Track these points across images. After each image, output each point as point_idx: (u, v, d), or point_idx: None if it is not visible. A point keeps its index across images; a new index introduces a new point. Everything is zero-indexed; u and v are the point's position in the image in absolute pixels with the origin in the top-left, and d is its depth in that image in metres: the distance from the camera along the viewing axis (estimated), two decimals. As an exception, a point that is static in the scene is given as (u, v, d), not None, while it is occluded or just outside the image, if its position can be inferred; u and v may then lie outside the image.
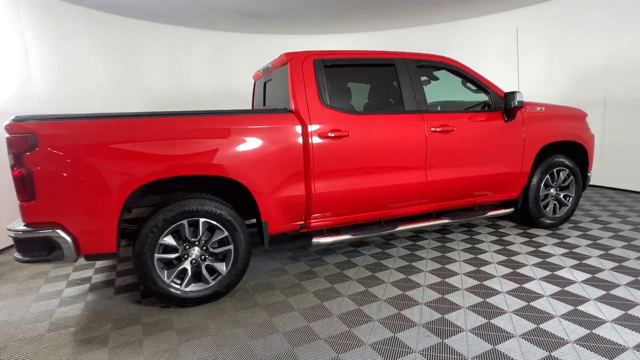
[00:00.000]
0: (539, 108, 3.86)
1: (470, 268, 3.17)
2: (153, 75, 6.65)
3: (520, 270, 3.07)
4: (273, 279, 3.15)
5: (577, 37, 5.95)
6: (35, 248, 2.41)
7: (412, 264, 3.31)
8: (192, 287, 2.73)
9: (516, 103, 3.42)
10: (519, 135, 3.70)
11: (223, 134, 2.68)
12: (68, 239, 2.40)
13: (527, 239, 3.79)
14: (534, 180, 3.88)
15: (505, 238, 3.86)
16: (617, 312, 2.39)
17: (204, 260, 2.75)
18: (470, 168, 3.53)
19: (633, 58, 5.41)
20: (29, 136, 2.30)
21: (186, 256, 2.70)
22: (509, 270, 3.08)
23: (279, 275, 3.23)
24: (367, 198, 3.19)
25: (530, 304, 2.54)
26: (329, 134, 2.96)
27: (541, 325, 2.28)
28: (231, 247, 2.78)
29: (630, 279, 2.84)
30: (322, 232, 3.25)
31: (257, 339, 2.28)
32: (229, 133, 2.69)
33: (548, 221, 4.03)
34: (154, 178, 2.51)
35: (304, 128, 2.91)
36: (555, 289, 2.73)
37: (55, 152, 2.34)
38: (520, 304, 2.54)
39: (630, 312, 2.39)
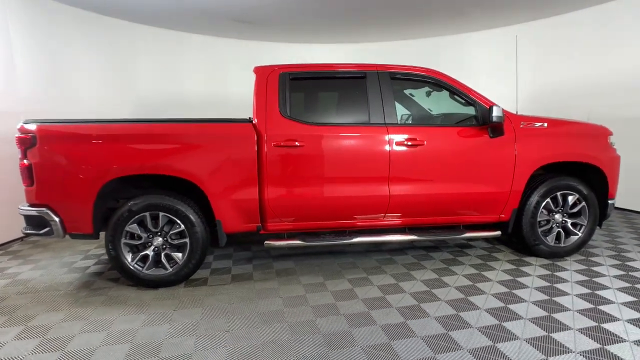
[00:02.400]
0: (539, 124, 3.47)
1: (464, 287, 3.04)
2: (143, 79, 6.45)
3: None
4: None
5: (563, 56, 6.01)
6: (34, 224, 3.05)
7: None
8: (152, 271, 3.14)
9: (493, 118, 3.15)
10: (508, 152, 3.38)
11: (181, 140, 3.04)
12: (56, 219, 2.99)
13: (512, 267, 3.45)
14: (530, 203, 3.49)
15: (491, 263, 3.56)
16: None
17: (164, 249, 3.14)
18: (442, 185, 3.35)
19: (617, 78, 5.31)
20: (31, 136, 2.92)
21: (149, 244, 3.13)
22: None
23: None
24: (323, 207, 3.27)
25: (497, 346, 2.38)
26: (282, 144, 3.12)
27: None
28: (187, 240, 3.13)
29: None
30: (282, 236, 3.42)
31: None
32: (187, 139, 3.04)
33: (548, 250, 3.59)
34: (121, 174, 2.97)
35: (260, 137, 3.12)
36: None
37: (47, 149, 2.93)
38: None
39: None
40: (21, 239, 4.53)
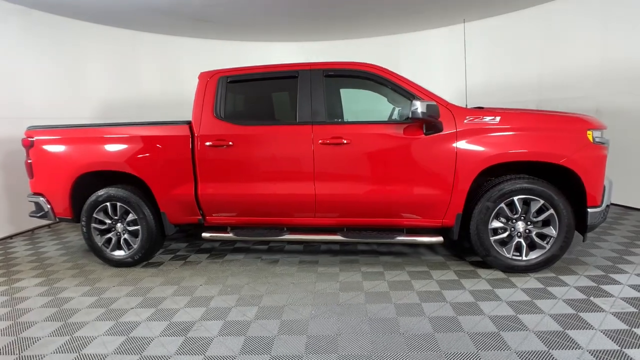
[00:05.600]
0: (489, 118, 3.04)
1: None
2: (96, 80, 6.10)
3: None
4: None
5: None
6: (36, 209, 3.87)
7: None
8: (116, 253, 3.71)
9: (419, 114, 2.87)
10: (447, 151, 3.05)
11: (129, 140, 3.51)
12: (48, 205, 3.75)
13: (450, 279, 3.10)
14: (477, 209, 3.09)
15: (435, 271, 3.26)
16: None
17: (124, 233, 3.68)
18: (370, 185, 3.20)
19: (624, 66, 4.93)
20: (30, 139, 3.72)
21: (113, 229, 3.69)
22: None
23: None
24: (252, 204, 3.42)
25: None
26: (210, 143, 3.36)
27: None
28: (139, 227, 3.60)
29: None
30: (225, 229, 3.67)
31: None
32: (133, 140, 3.50)
33: (503, 263, 3.12)
34: (87, 170, 3.58)
35: (193, 137, 3.42)
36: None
37: (40, 149, 3.68)
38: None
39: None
40: (49, 225, 5.45)
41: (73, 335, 2.49)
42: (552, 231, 3.04)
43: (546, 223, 3.08)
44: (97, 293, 3.13)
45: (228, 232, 3.57)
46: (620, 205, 5.18)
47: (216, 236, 3.59)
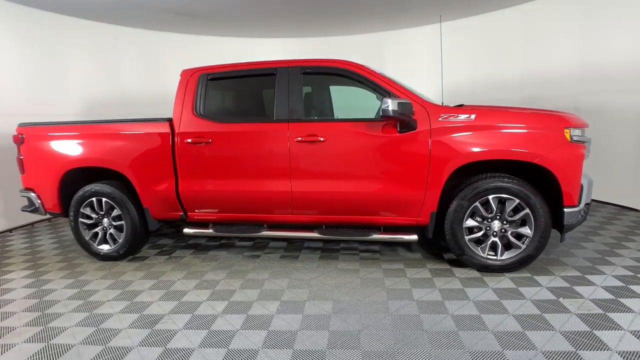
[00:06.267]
0: (464, 116, 3.00)
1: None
2: (78, 76, 5.96)
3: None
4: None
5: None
6: (28, 203, 4.00)
7: None
8: (102, 247, 3.81)
9: (389, 112, 2.86)
10: (421, 149, 3.04)
11: (111, 137, 3.59)
12: (38, 200, 3.88)
13: (422, 277, 3.10)
14: (452, 207, 3.07)
15: (409, 269, 3.26)
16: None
17: (110, 228, 3.78)
18: (344, 182, 3.21)
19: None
20: (21, 135, 3.84)
21: (100, 224, 3.80)
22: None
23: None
24: (231, 200, 3.47)
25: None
26: (190, 140, 3.42)
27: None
28: (123, 222, 3.70)
29: None
30: (207, 225, 3.74)
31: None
32: (115, 137, 3.58)
33: (477, 262, 3.10)
34: (72, 167, 3.68)
35: (174, 134, 3.48)
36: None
37: (30, 145, 3.80)
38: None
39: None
40: (49, 220, 5.61)
41: (47, 326, 2.58)
42: (527, 231, 3.00)
43: (523, 222, 3.04)
44: (80, 285, 3.24)
45: (209, 229, 3.63)
46: (617, 205, 5.06)
47: (197, 232, 3.66)
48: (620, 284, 2.82)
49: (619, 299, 2.59)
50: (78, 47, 5.99)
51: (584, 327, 2.26)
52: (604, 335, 2.17)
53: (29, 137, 3.81)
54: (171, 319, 2.60)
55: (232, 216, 3.59)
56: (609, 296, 2.63)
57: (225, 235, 3.75)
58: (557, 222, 3.02)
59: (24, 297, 3.06)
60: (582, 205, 2.99)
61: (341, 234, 3.37)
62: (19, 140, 3.85)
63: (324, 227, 3.52)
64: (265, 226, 3.61)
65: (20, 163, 3.88)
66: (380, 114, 2.90)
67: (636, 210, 4.83)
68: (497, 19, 6.24)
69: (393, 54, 7.32)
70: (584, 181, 3.01)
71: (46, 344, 2.35)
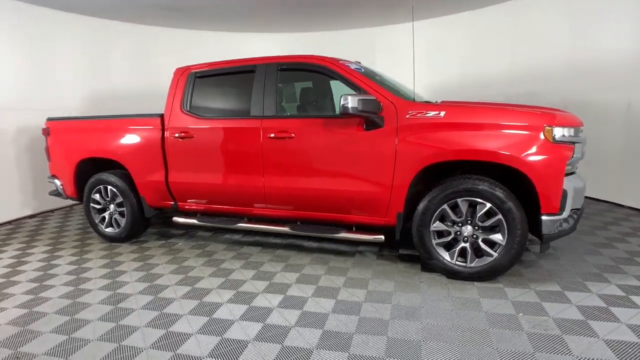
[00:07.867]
0: (433, 113, 2.83)
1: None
2: (67, 71, 5.88)
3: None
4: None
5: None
6: (54, 188, 4.56)
7: None
8: (108, 229, 4.22)
9: (349, 109, 2.79)
10: (387, 147, 2.93)
11: (112, 131, 3.95)
12: (60, 185, 4.40)
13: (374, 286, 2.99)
14: (419, 209, 2.93)
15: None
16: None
17: (115, 213, 4.17)
18: (313, 179, 3.21)
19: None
20: (48, 128, 4.37)
21: (108, 209, 4.21)
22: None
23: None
24: (212, 193, 3.65)
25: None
26: (177, 135, 3.64)
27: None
28: (124, 209, 4.06)
29: None
30: (196, 215, 3.96)
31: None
32: (118, 130, 3.93)
33: (445, 268, 2.92)
34: (83, 157, 4.11)
35: (163, 129, 3.73)
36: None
37: (54, 136, 4.32)
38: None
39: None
40: (71, 206, 6.29)
41: (37, 295, 2.96)
42: (499, 238, 2.77)
43: (496, 229, 2.81)
44: (80, 263, 3.64)
45: (194, 219, 3.85)
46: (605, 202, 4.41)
47: (185, 221, 3.90)
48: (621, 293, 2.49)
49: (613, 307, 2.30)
50: (69, 41, 5.90)
51: (528, 349, 2.05)
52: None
53: (53, 130, 4.32)
54: (135, 299, 2.84)
55: (216, 208, 3.78)
56: (579, 317, 2.35)
57: (207, 226, 3.93)
58: (537, 230, 2.74)
59: (33, 269, 3.52)
60: (565, 212, 2.68)
61: (310, 230, 3.38)
62: (46, 132, 4.38)
63: (298, 222, 3.55)
64: (245, 219, 3.74)
65: (47, 152, 4.42)
66: (349, 110, 2.81)
67: (622, 206, 4.74)
68: (486, 15, 6.21)
69: (384, 49, 7.23)
70: (570, 185, 2.69)
71: (29, 310, 2.71)
